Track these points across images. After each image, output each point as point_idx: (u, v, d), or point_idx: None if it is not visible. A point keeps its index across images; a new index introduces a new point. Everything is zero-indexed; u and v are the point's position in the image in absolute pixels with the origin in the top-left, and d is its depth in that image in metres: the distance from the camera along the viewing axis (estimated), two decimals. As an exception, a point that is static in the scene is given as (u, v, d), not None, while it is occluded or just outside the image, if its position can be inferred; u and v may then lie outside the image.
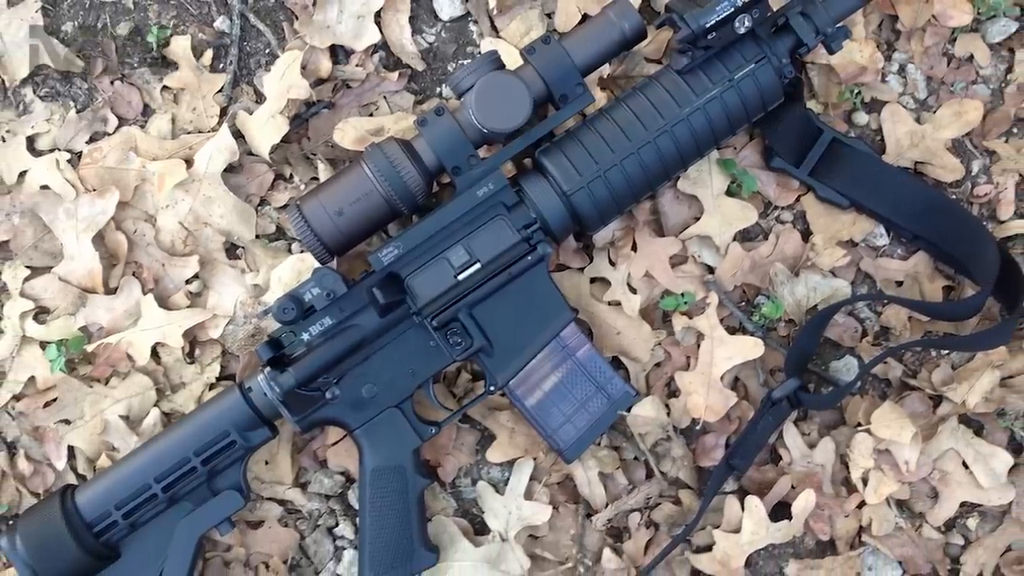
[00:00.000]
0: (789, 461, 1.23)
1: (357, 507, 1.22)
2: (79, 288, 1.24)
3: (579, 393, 1.17)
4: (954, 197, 1.26)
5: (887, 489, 1.19)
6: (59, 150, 1.27)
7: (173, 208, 1.24)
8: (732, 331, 1.23)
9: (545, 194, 1.11)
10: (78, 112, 1.28)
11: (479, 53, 1.29)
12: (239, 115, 1.26)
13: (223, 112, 1.27)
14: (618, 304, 1.24)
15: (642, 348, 1.23)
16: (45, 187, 1.25)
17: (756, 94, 1.13)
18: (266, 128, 1.23)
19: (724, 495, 1.23)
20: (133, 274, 1.25)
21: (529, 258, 1.11)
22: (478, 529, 1.25)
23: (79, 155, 1.27)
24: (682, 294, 1.24)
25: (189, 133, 1.27)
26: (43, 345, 1.23)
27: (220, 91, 1.28)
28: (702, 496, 1.22)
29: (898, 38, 1.29)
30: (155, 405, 1.23)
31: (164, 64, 1.29)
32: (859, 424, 1.23)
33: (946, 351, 1.26)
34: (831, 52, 1.14)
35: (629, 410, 1.21)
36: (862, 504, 1.22)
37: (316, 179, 1.26)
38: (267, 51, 1.29)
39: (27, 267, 1.25)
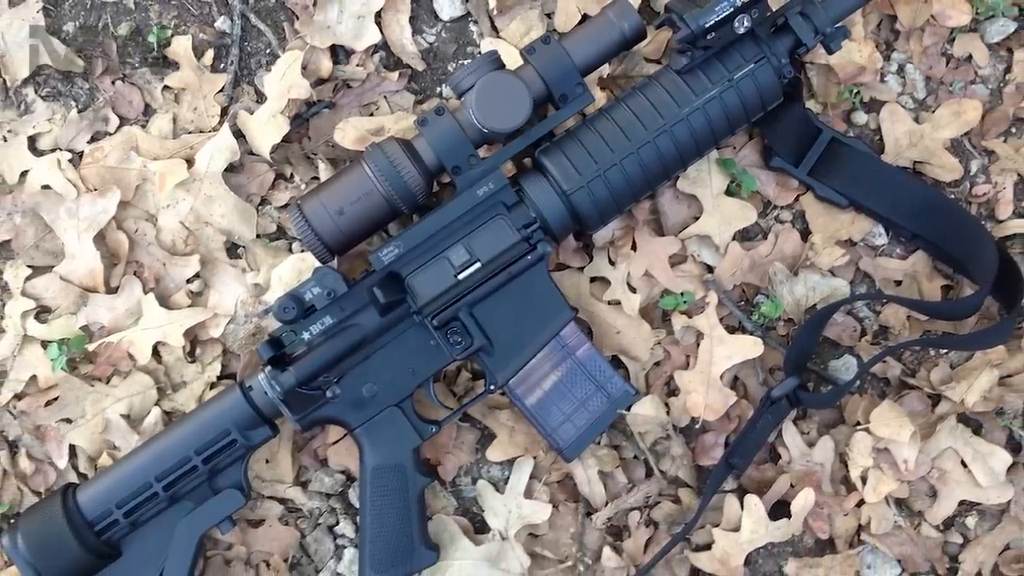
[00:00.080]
0: (788, 460, 1.23)
1: (358, 506, 1.22)
2: (80, 287, 1.24)
3: (579, 392, 1.17)
4: (953, 197, 1.27)
5: (886, 488, 1.19)
6: (60, 150, 1.27)
7: (174, 207, 1.25)
8: (731, 330, 1.23)
9: (545, 193, 1.12)
10: (79, 112, 1.28)
11: (479, 53, 1.29)
12: (240, 115, 1.26)
13: (224, 112, 1.28)
14: (618, 303, 1.24)
15: (642, 347, 1.23)
16: (46, 187, 1.25)
17: (755, 94, 1.13)
18: (267, 128, 1.24)
19: (723, 494, 1.23)
20: (134, 273, 1.25)
21: (529, 257, 1.12)
22: (478, 528, 1.25)
23: (80, 155, 1.27)
24: (681, 293, 1.24)
25: (190, 133, 1.28)
26: (44, 344, 1.24)
27: (221, 91, 1.28)
28: (701, 495, 1.22)
29: (897, 38, 1.29)
30: (156, 404, 1.23)
31: (165, 64, 1.29)
32: (858, 423, 1.23)
33: (945, 350, 1.26)
34: (830, 52, 1.14)
35: (629, 409, 1.21)
36: (861, 503, 1.22)
37: (317, 179, 1.26)
38: (268, 51, 1.30)
39: (29, 266, 1.25)
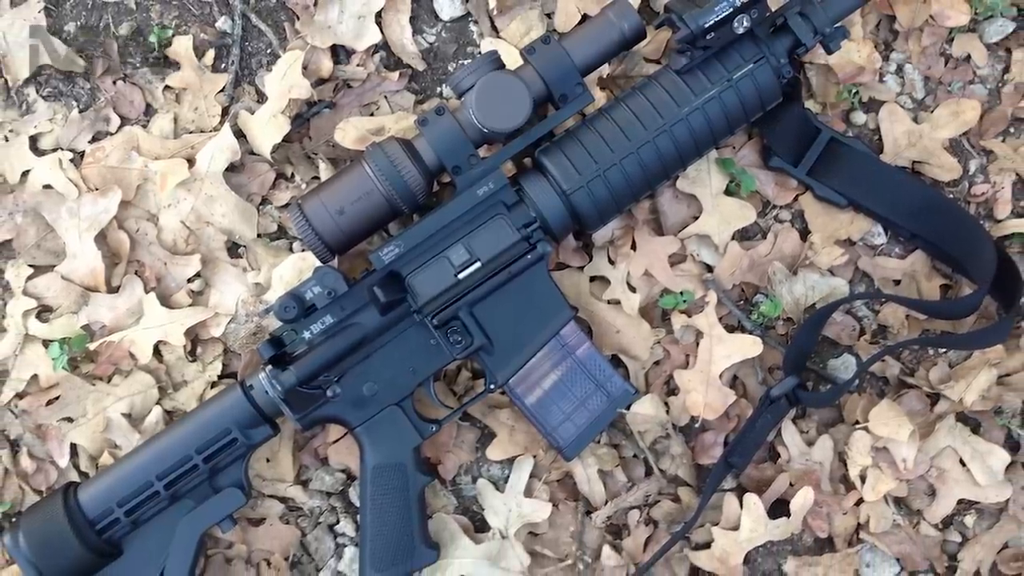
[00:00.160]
0: (787, 459, 1.23)
1: (358, 504, 1.23)
2: (82, 287, 1.24)
3: (579, 391, 1.17)
4: (951, 196, 1.27)
5: (885, 486, 1.20)
6: (62, 149, 1.27)
7: (175, 207, 1.25)
8: (731, 329, 1.24)
9: (545, 193, 1.12)
10: (81, 112, 1.28)
11: (479, 53, 1.29)
12: (241, 115, 1.27)
13: (225, 112, 1.28)
14: (617, 303, 1.24)
15: (641, 346, 1.24)
16: (48, 186, 1.25)
17: (754, 94, 1.13)
18: (268, 127, 1.24)
19: (723, 492, 1.23)
20: (135, 273, 1.25)
21: (529, 257, 1.12)
22: (478, 526, 1.25)
23: (82, 154, 1.27)
24: (681, 293, 1.25)
25: (191, 132, 1.28)
26: (46, 343, 1.24)
27: (222, 91, 1.28)
28: (701, 493, 1.22)
29: (896, 38, 1.30)
30: (157, 403, 1.23)
31: (166, 64, 1.29)
32: (857, 422, 1.23)
33: (943, 349, 1.26)
34: (829, 52, 1.14)
35: (628, 408, 1.21)
36: (860, 501, 1.22)
37: (317, 178, 1.26)
38: (269, 51, 1.30)
39: (30, 266, 1.26)
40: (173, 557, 1.11)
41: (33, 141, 1.28)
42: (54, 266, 1.25)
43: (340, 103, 1.28)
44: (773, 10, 1.14)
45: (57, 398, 1.23)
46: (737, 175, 1.25)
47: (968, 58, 1.29)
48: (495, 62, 1.10)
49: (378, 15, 1.27)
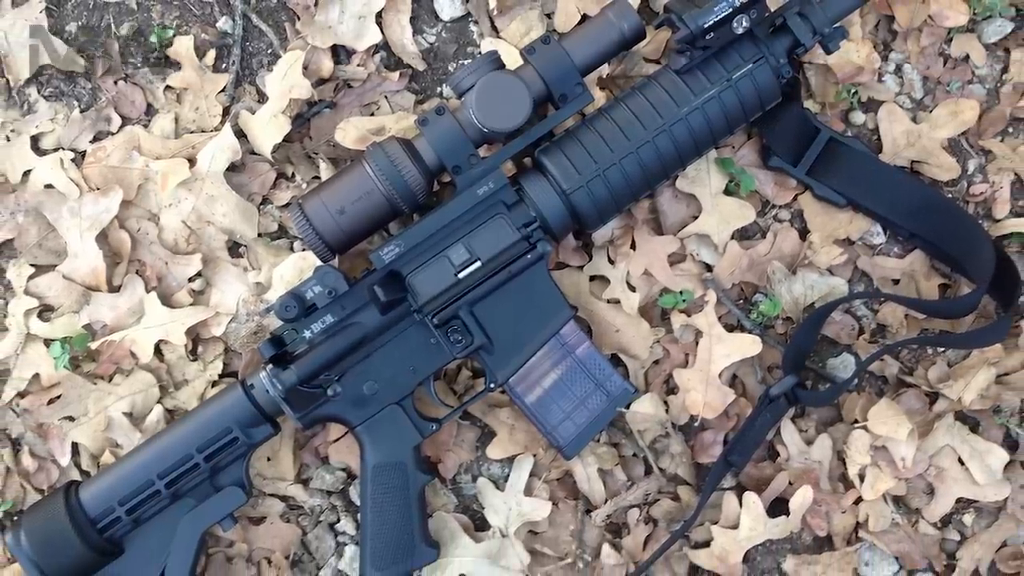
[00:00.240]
0: (786, 457, 1.24)
1: (359, 503, 1.23)
2: (83, 286, 1.25)
3: (578, 390, 1.17)
4: (950, 196, 1.27)
5: (884, 485, 1.20)
6: (63, 149, 1.27)
7: (176, 207, 1.25)
8: (730, 329, 1.24)
9: (545, 193, 1.12)
10: (82, 112, 1.29)
11: (479, 53, 1.29)
12: (241, 114, 1.27)
13: (226, 111, 1.28)
14: (617, 302, 1.25)
15: (641, 345, 1.24)
16: (49, 186, 1.25)
17: (754, 94, 1.14)
18: (268, 127, 1.24)
19: (722, 491, 1.23)
20: (136, 272, 1.26)
21: (529, 256, 1.12)
22: (478, 525, 1.25)
23: (83, 154, 1.27)
24: (680, 292, 1.25)
25: (192, 132, 1.28)
26: (47, 342, 1.24)
27: (223, 91, 1.28)
28: (700, 492, 1.22)
29: (895, 38, 1.30)
30: (158, 402, 1.24)
31: (167, 64, 1.30)
32: (856, 421, 1.23)
33: (942, 348, 1.26)
34: (828, 52, 1.14)
35: (628, 407, 1.22)
36: (859, 500, 1.22)
37: (318, 178, 1.27)
38: (269, 51, 1.30)
39: (31, 265, 1.26)
40: (174, 555, 1.11)
41: (34, 141, 1.28)
42: (55, 265, 1.25)
43: (341, 103, 1.28)
44: (772, 10, 1.14)
45: (58, 397, 1.23)
46: (736, 175, 1.25)
47: (967, 58, 1.29)
48: (495, 62, 1.10)
49: (378, 15, 1.27)
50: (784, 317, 1.27)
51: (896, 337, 1.26)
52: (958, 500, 1.23)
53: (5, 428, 1.25)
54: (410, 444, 1.14)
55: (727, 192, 1.26)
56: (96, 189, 1.25)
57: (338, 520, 1.25)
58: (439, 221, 1.12)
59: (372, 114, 1.28)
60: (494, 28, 1.29)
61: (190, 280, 1.26)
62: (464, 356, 1.14)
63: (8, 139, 1.28)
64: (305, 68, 1.25)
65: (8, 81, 1.28)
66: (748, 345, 1.22)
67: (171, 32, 1.30)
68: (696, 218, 1.26)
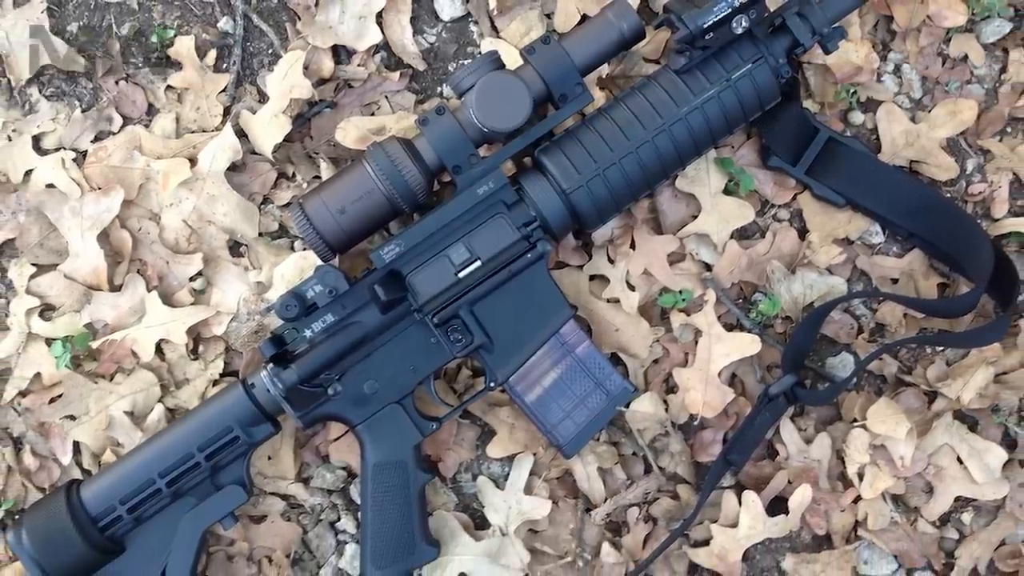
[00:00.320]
0: (786, 456, 1.24)
1: (359, 502, 1.23)
2: (84, 285, 1.25)
3: (578, 389, 1.17)
4: (949, 195, 1.27)
5: (883, 484, 1.20)
6: (64, 149, 1.28)
7: (177, 206, 1.26)
8: (729, 328, 1.24)
9: (545, 193, 1.12)
10: (83, 111, 1.29)
11: (479, 53, 1.30)
12: (242, 114, 1.27)
13: (227, 111, 1.29)
14: (617, 301, 1.25)
15: (640, 345, 1.24)
16: (51, 186, 1.26)
17: (753, 94, 1.14)
18: (269, 127, 1.25)
19: (721, 490, 1.24)
20: (138, 271, 1.26)
21: (529, 256, 1.12)
22: (478, 523, 1.26)
23: (84, 154, 1.28)
24: (680, 291, 1.25)
25: (193, 132, 1.28)
26: (49, 342, 1.25)
27: (224, 91, 1.29)
28: (700, 491, 1.23)
29: (893, 38, 1.30)
30: (159, 401, 1.24)
31: (168, 64, 1.30)
32: (855, 420, 1.23)
33: (941, 348, 1.27)
34: (827, 52, 1.15)
35: (628, 406, 1.22)
36: (858, 499, 1.23)
37: (319, 178, 1.27)
38: (270, 51, 1.31)
39: (33, 264, 1.26)
40: (175, 554, 1.11)
41: (36, 141, 1.28)
42: (57, 265, 1.26)
43: (341, 103, 1.28)
44: (771, 10, 1.14)
45: (60, 396, 1.23)
46: (736, 174, 1.25)
47: (965, 58, 1.29)
48: (495, 62, 1.11)
49: (379, 15, 1.27)
50: (783, 316, 1.27)
51: (895, 336, 1.26)
52: (957, 499, 1.23)
53: (7, 427, 1.25)
54: (410, 443, 1.14)
55: (726, 192, 1.26)
56: (97, 189, 1.25)
57: (339, 519, 1.26)
58: (439, 220, 1.12)
59: (372, 114, 1.29)
60: (494, 28, 1.29)
61: (191, 279, 1.26)
62: (464, 355, 1.14)
63: (10, 139, 1.28)
64: (306, 68, 1.25)
65: (10, 81, 1.29)
66: (747, 344, 1.22)
67: (172, 32, 1.30)
68: (695, 218, 1.26)
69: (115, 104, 1.29)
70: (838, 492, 1.24)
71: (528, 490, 1.24)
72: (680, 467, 1.25)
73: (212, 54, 1.30)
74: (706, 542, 1.23)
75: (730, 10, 1.08)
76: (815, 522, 1.23)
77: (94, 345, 1.24)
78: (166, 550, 1.12)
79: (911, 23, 1.28)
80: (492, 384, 1.16)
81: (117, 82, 1.29)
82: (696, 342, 1.24)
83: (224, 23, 1.30)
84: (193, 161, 1.25)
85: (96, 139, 1.29)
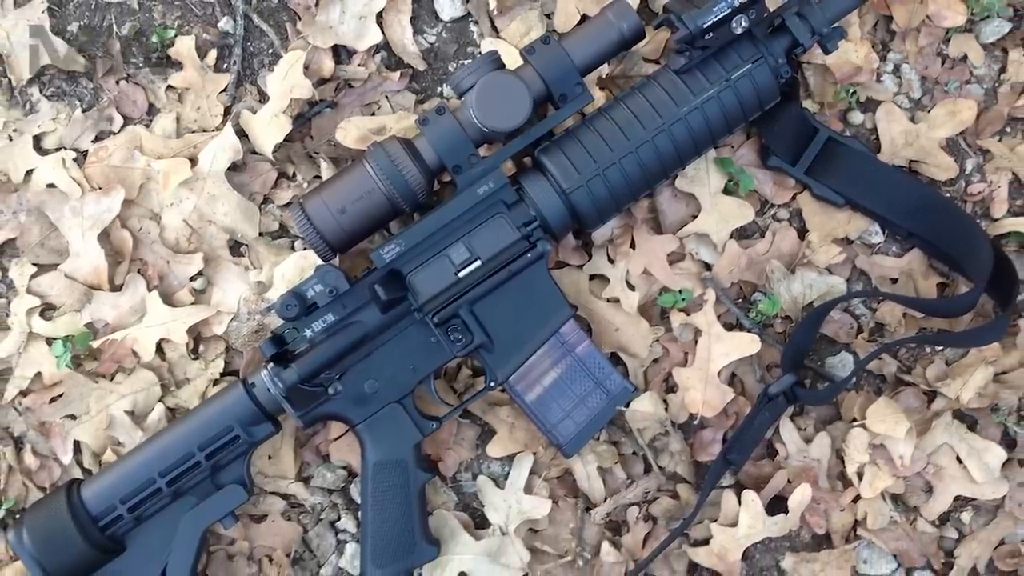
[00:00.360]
0: (785, 456, 1.24)
1: (359, 501, 1.24)
2: (85, 285, 1.25)
3: (578, 389, 1.18)
4: (948, 195, 1.27)
5: (882, 483, 1.20)
6: (65, 149, 1.28)
7: (178, 206, 1.26)
8: (729, 327, 1.25)
9: (545, 192, 1.13)
10: (84, 111, 1.29)
11: (480, 53, 1.30)
12: (243, 114, 1.27)
13: (227, 111, 1.29)
14: (617, 301, 1.25)
15: (640, 344, 1.24)
16: (51, 185, 1.26)
17: (753, 94, 1.14)
18: (269, 127, 1.25)
19: (721, 489, 1.24)
20: (138, 271, 1.26)
21: (529, 255, 1.13)
22: (478, 523, 1.26)
23: (85, 154, 1.28)
24: (680, 291, 1.25)
25: (193, 132, 1.29)
26: (49, 341, 1.25)
27: (224, 91, 1.29)
28: (699, 490, 1.23)
29: (893, 38, 1.30)
30: (160, 400, 1.24)
31: (169, 64, 1.30)
32: (854, 419, 1.24)
33: (940, 347, 1.27)
34: (827, 52, 1.15)
35: (627, 405, 1.22)
36: (857, 498, 1.23)
37: (319, 177, 1.27)
38: (270, 51, 1.31)
39: (33, 264, 1.26)
40: (176, 553, 1.12)
41: (37, 140, 1.28)
42: (57, 264, 1.26)
43: (341, 103, 1.28)
44: (771, 10, 1.14)
45: (60, 395, 1.24)
46: (735, 174, 1.26)
47: (965, 58, 1.29)
48: (495, 62, 1.11)
49: (379, 15, 1.28)
50: (783, 316, 1.27)
51: (894, 336, 1.26)
52: (956, 498, 1.23)
53: (7, 426, 1.26)
54: (411, 442, 1.15)
55: (726, 191, 1.26)
56: (98, 188, 1.26)
57: (339, 518, 1.26)
58: (439, 220, 1.12)
59: (373, 114, 1.29)
60: (494, 28, 1.29)
61: (191, 279, 1.26)
62: (464, 355, 1.14)
63: (10, 139, 1.28)
64: (306, 68, 1.25)
65: (10, 81, 1.29)
66: (747, 344, 1.22)
67: (172, 32, 1.30)
68: (695, 217, 1.26)
69: (116, 104, 1.29)
70: (837, 491, 1.24)
71: (528, 489, 1.24)
72: (680, 466, 1.25)
73: (212, 54, 1.30)
74: (706, 541, 1.23)
75: (730, 10, 1.08)
76: (815, 521, 1.23)
77: (95, 345, 1.24)
78: (166, 549, 1.12)
79: (910, 23, 1.28)
80: (492, 383, 1.16)
81: (118, 82, 1.29)
82: (696, 342, 1.24)
83: (224, 23, 1.31)
84: (194, 161, 1.25)
85: (97, 139, 1.29)
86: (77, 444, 1.24)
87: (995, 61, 1.30)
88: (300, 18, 1.28)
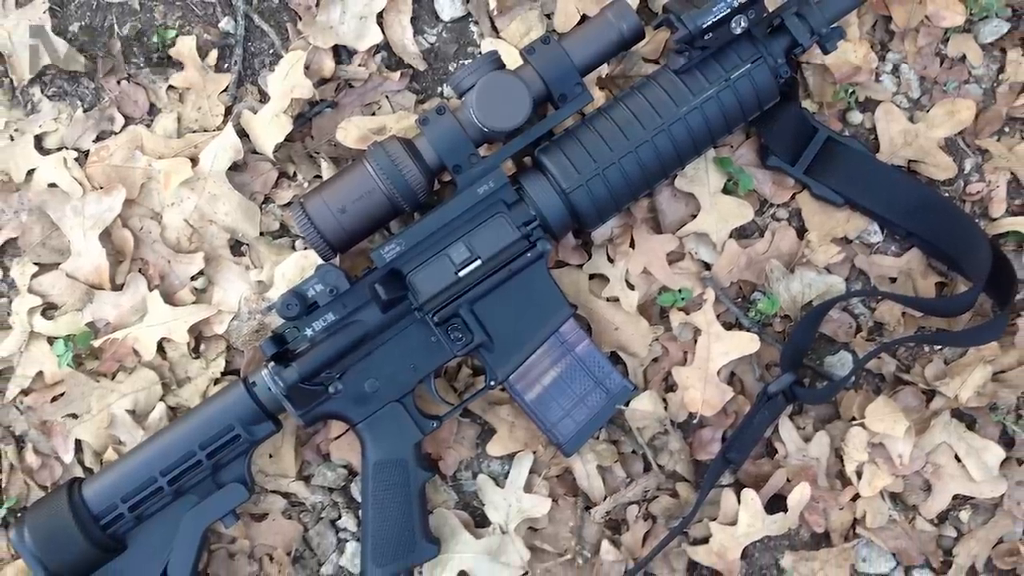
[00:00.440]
0: (784, 455, 1.24)
1: (360, 500, 1.24)
2: (86, 284, 1.25)
3: (578, 388, 1.18)
4: (947, 195, 1.28)
5: (881, 482, 1.20)
6: (66, 149, 1.28)
7: (179, 206, 1.26)
8: (728, 327, 1.25)
9: (544, 192, 1.13)
10: (85, 111, 1.29)
11: (480, 53, 1.30)
12: (244, 114, 1.27)
13: (228, 111, 1.29)
14: (616, 300, 1.25)
15: (640, 343, 1.25)
16: (53, 185, 1.26)
17: (752, 94, 1.14)
18: (270, 127, 1.25)
19: (720, 488, 1.24)
20: (139, 271, 1.26)
21: (529, 255, 1.13)
22: (479, 521, 1.26)
23: (86, 153, 1.28)
24: (679, 290, 1.25)
25: (194, 132, 1.29)
26: (51, 340, 1.25)
27: (225, 91, 1.29)
28: (699, 489, 1.23)
29: (892, 38, 1.31)
30: (161, 399, 1.24)
31: (170, 64, 1.30)
32: (853, 418, 1.24)
33: (939, 346, 1.27)
34: (826, 52, 1.15)
35: (627, 404, 1.22)
36: (856, 497, 1.23)
37: (319, 177, 1.27)
38: (271, 51, 1.31)
39: (35, 264, 1.26)
40: (177, 552, 1.12)
41: (38, 140, 1.29)
42: (59, 264, 1.26)
43: (342, 103, 1.29)
44: (770, 10, 1.14)
45: (62, 395, 1.24)
46: (735, 174, 1.26)
47: (963, 58, 1.30)
48: (495, 62, 1.11)
49: (379, 16, 1.28)
50: (782, 315, 1.27)
51: (893, 335, 1.27)
52: (955, 497, 1.24)
53: (9, 425, 1.26)
54: (411, 441, 1.15)
55: (725, 191, 1.27)
56: (99, 188, 1.26)
57: (339, 517, 1.26)
58: (440, 220, 1.13)
59: (373, 114, 1.29)
60: (494, 28, 1.30)
61: (192, 278, 1.26)
62: (464, 354, 1.15)
63: (12, 139, 1.28)
64: (307, 68, 1.26)
65: (12, 81, 1.29)
66: (746, 343, 1.22)
67: (173, 32, 1.30)
68: (695, 217, 1.26)
69: (117, 104, 1.29)
70: (837, 490, 1.24)
71: (528, 488, 1.24)
72: (679, 465, 1.25)
73: (213, 54, 1.30)
74: (705, 540, 1.23)
75: (729, 10, 1.08)
76: (814, 520, 1.23)
77: (96, 344, 1.24)
78: (167, 548, 1.12)
79: (909, 23, 1.28)
80: (492, 383, 1.16)
81: (119, 82, 1.30)
82: (695, 341, 1.24)
83: (225, 23, 1.31)
84: (194, 161, 1.25)
85: (98, 139, 1.29)
86: (78, 443, 1.24)
87: (993, 61, 1.30)
88: (301, 18, 1.29)
